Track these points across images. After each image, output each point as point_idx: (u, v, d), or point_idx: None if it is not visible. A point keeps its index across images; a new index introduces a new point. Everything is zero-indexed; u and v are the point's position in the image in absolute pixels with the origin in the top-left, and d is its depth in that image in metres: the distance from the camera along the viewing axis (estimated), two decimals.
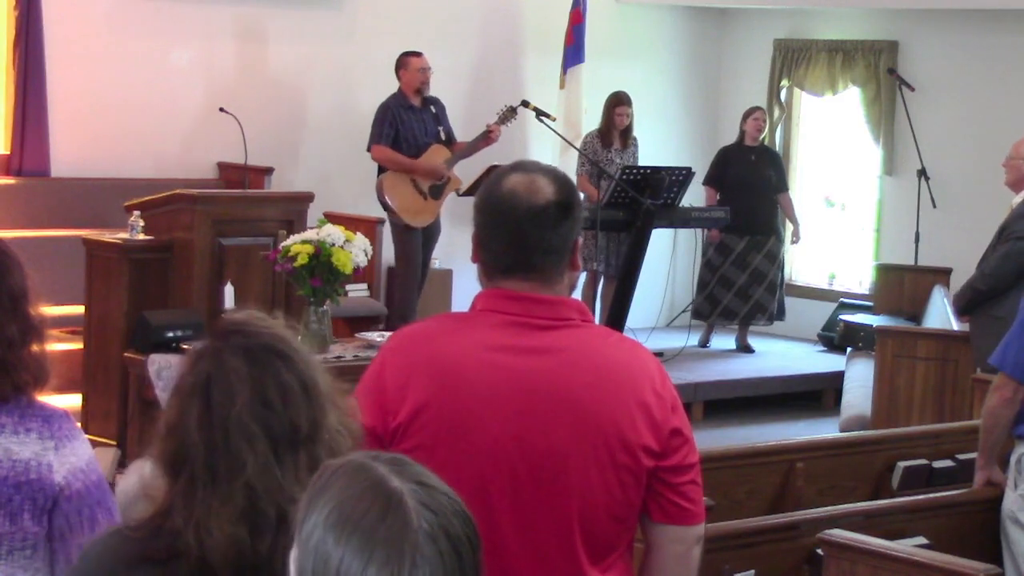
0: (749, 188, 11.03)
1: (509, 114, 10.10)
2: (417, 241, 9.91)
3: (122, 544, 2.15)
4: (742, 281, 11.21)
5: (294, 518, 2.05)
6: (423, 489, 1.69)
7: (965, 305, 7.84)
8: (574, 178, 10.52)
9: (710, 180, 11.25)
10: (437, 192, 9.89)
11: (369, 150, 9.82)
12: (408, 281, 9.94)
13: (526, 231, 2.67)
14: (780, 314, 11.43)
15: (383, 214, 9.90)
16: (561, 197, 2.70)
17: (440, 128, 9.99)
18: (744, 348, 11.41)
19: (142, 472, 2.30)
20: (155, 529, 2.12)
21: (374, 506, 1.66)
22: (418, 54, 9.99)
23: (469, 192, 9.62)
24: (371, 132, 9.82)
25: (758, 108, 11.38)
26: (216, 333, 2.22)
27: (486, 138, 9.96)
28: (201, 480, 2.10)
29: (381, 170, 9.83)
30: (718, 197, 11.11)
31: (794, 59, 12.32)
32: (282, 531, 2.08)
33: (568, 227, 2.70)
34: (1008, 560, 4.86)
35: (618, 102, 10.75)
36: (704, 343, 11.47)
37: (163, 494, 2.14)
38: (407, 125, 9.82)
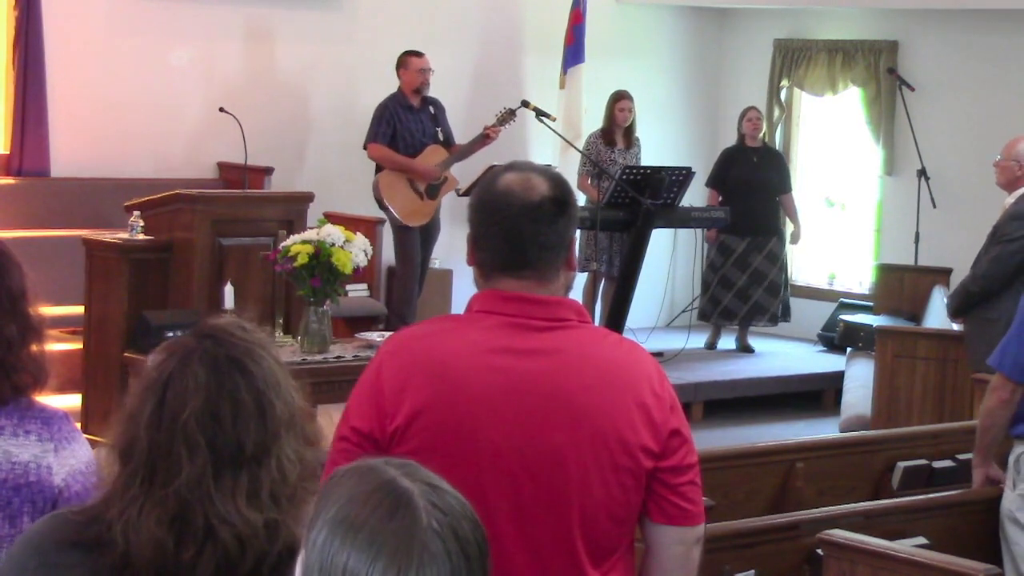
0: (751, 189, 11.02)
1: (508, 116, 10.10)
2: (415, 239, 9.91)
3: (60, 526, 2.15)
4: (742, 282, 11.19)
5: (224, 536, 2.05)
6: (433, 491, 1.69)
7: (958, 307, 7.83)
8: (575, 178, 10.54)
9: (712, 181, 11.24)
10: (434, 192, 9.89)
11: (365, 147, 9.84)
12: (407, 279, 9.94)
13: (522, 227, 2.67)
14: (785, 315, 11.41)
15: (383, 214, 9.89)
16: (556, 194, 2.70)
17: (438, 129, 9.99)
18: (744, 348, 11.40)
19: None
20: (95, 515, 2.13)
21: (383, 504, 1.66)
22: (419, 54, 9.98)
23: (469, 192, 9.62)
24: (368, 130, 9.84)
25: (751, 108, 11.37)
26: (194, 333, 2.19)
27: (484, 139, 9.97)
28: (140, 476, 2.10)
29: (379, 169, 9.85)
30: (720, 199, 11.10)
31: (794, 59, 12.31)
32: (208, 544, 2.07)
33: (564, 224, 2.71)
34: (1008, 560, 4.86)
35: (620, 97, 10.80)
36: (711, 345, 11.44)
37: (111, 481, 2.14)
38: (405, 125, 9.82)
